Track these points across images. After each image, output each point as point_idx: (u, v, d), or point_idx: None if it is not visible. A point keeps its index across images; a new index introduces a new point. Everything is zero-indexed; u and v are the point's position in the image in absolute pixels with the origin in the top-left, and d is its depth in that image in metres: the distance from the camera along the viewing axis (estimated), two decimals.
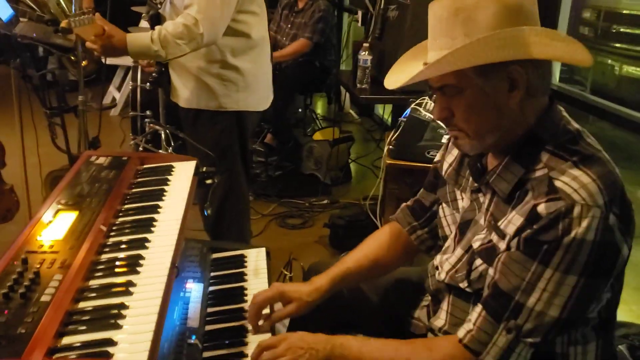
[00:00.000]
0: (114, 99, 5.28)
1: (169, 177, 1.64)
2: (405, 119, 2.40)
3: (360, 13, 3.88)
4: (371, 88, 2.98)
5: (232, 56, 2.18)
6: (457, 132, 1.13)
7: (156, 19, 2.25)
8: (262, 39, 2.28)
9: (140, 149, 3.72)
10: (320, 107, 5.63)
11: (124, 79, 5.23)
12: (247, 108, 2.30)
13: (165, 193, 1.54)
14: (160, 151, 3.55)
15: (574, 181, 1.01)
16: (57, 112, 2.71)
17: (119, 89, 5.32)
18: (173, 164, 1.75)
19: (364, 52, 2.94)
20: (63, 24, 2.14)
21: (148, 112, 3.76)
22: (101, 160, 1.73)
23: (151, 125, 3.74)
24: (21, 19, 2.64)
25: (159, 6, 2.22)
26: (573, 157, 1.04)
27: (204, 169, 1.74)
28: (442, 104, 1.12)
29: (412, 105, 2.43)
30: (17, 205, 2.72)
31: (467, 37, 1.03)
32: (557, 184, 1.01)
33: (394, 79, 1.19)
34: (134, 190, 1.58)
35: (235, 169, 2.32)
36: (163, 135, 3.50)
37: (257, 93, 2.32)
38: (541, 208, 1.01)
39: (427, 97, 2.45)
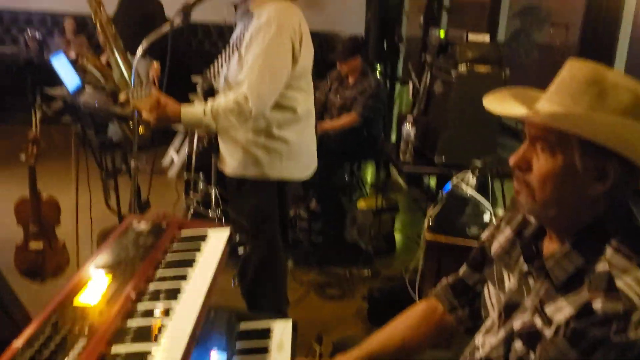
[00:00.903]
0: (172, 161, 5.50)
1: (202, 246, 1.69)
2: (446, 194, 2.40)
3: (411, 85, 3.96)
4: (414, 160, 3.01)
5: (277, 128, 2.26)
6: (524, 188, 1.10)
7: (210, 92, 2.38)
8: (307, 112, 2.36)
9: (191, 209, 3.87)
10: (368, 175, 5.67)
11: (183, 141, 5.46)
12: (291, 177, 2.37)
13: (195, 262, 1.58)
14: (209, 211, 3.68)
15: (638, 284, 0.97)
16: (112, 174, 2.86)
17: (178, 151, 5.55)
18: (208, 231, 1.81)
19: (408, 125, 2.98)
20: (122, 97, 2.28)
21: (201, 175, 3.93)
22: (142, 225, 1.80)
23: (202, 187, 3.91)
24: (86, 88, 2.85)
25: (213, 80, 2.33)
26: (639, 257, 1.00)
27: (237, 238, 1.79)
28: (526, 153, 1.09)
29: (454, 180, 2.44)
30: (67, 262, 2.85)
31: (591, 108, 1.02)
32: (619, 283, 0.97)
33: (499, 106, 1.15)
34: (167, 257, 1.63)
35: (273, 237, 2.36)
36: (213, 197, 3.62)
37: (300, 162, 2.39)
38: (597, 305, 0.97)
39: (469, 172, 2.45)
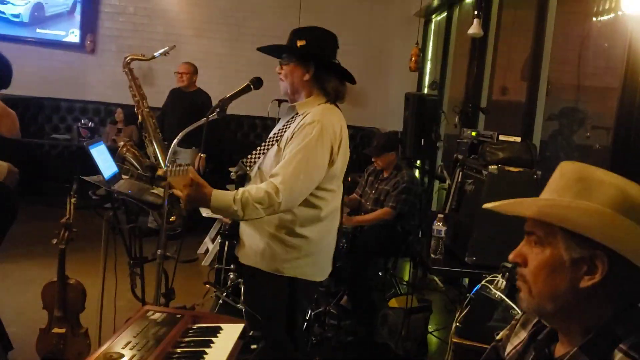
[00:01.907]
0: (207, 250, 5.54)
1: (214, 339, 1.65)
2: (474, 296, 2.31)
3: (448, 182, 3.94)
4: (444, 259, 2.93)
5: (300, 226, 2.25)
6: (522, 284, 1.12)
7: (242, 179, 2.41)
8: (332, 212, 2.35)
9: (220, 301, 3.83)
10: (404, 272, 5.54)
11: (219, 231, 5.51)
12: (304, 276, 2.31)
13: (205, 356, 1.54)
14: (238, 305, 3.64)
15: None
16: (139, 261, 2.88)
17: (213, 240, 5.60)
18: (222, 325, 1.77)
19: (438, 223, 2.93)
20: (160, 172, 2.29)
21: (232, 266, 3.91)
22: (157, 315, 1.78)
23: (233, 278, 3.88)
24: (123, 176, 2.94)
25: (248, 168, 2.36)
26: None
27: (251, 333, 1.74)
28: (523, 249, 1.12)
29: (483, 282, 2.34)
30: (89, 349, 2.82)
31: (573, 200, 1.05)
32: None
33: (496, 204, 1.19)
34: (177, 349, 1.60)
35: (278, 336, 2.29)
36: (242, 290, 3.58)
37: (317, 263, 2.35)
38: None
39: (499, 275, 2.36)
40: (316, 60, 2.28)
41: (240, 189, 2.12)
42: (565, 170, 1.10)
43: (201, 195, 2.07)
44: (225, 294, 3.71)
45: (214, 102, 6.28)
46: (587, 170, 1.07)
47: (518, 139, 2.85)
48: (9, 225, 3.20)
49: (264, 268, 2.28)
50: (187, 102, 5.84)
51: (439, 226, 2.93)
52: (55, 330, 2.74)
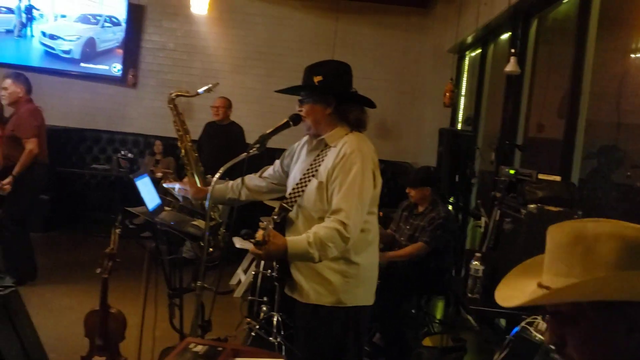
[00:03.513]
0: (239, 281, 5.57)
1: None
2: (512, 338, 2.28)
3: (483, 220, 3.91)
4: (482, 298, 2.90)
5: (355, 254, 2.26)
6: None
7: (283, 221, 2.40)
8: (376, 234, 2.39)
9: (253, 333, 3.83)
10: (438, 310, 5.47)
11: (252, 263, 5.55)
12: (364, 302, 2.33)
13: None
14: (270, 338, 3.64)
15: None
16: (179, 292, 2.93)
17: (245, 272, 5.63)
18: None
19: (476, 262, 2.92)
20: (260, 237, 2.09)
21: (265, 298, 3.93)
22: (199, 348, 1.82)
23: (266, 311, 3.89)
24: (165, 208, 3.01)
25: (290, 208, 2.35)
26: None
27: None
28: (554, 329, 1.10)
29: (523, 324, 2.31)
30: None
31: (585, 270, 1.03)
32: None
33: (506, 294, 1.18)
34: None
35: None
36: (275, 323, 3.59)
37: (371, 288, 2.38)
38: None
39: (539, 317, 2.33)
40: (336, 93, 2.31)
41: (310, 232, 2.10)
42: (557, 237, 1.08)
43: (277, 248, 2.06)
44: (259, 327, 3.74)
45: (248, 136, 6.45)
46: (577, 229, 1.06)
47: (558, 178, 2.84)
48: None
49: (325, 303, 2.27)
50: (222, 135, 6.00)
51: (476, 265, 2.91)
52: (96, 358, 2.79)
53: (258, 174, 2.67)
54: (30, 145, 4.66)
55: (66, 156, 7.44)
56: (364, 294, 2.33)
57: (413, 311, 4.45)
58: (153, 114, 7.49)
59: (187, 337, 2.86)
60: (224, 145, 5.73)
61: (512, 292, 1.17)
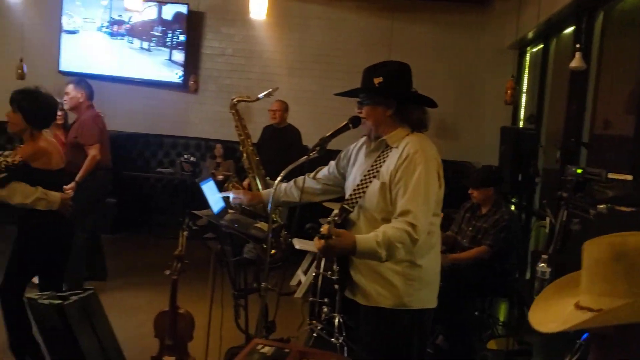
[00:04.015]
0: (299, 282, 5.63)
1: None
2: (583, 343, 2.21)
3: (548, 220, 3.81)
4: None
5: (418, 256, 2.24)
6: None
7: (344, 222, 2.41)
8: (439, 237, 2.38)
9: (314, 334, 3.87)
10: (501, 312, 5.35)
11: (311, 264, 5.60)
12: (428, 305, 2.32)
13: None
14: (332, 339, 3.66)
15: None
16: (243, 293, 2.99)
17: (305, 272, 5.69)
18: None
19: (542, 264, 2.85)
20: (324, 231, 2.12)
21: (326, 300, 3.95)
22: (266, 349, 1.86)
23: (327, 312, 3.92)
24: (229, 211, 3.08)
25: (351, 210, 2.34)
26: None
27: None
28: (599, 356, 1.05)
29: None
30: None
31: (631, 288, 0.98)
32: None
33: (541, 318, 1.13)
34: None
35: None
36: (336, 324, 3.61)
37: (434, 290, 2.36)
38: None
39: None
40: (397, 94, 2.29)
41: (378, 231, 2.10)
42: (596, 254, 1.03)
43: (345, 244, 2.07)
44: (321, 328, 3.77)
45: (305, 138, 6.50)
46: (617, 244, 1.01)
47: (629, 177, 2.73)
48: (64, 254, 3.42)
49: (388, 305, 2.26)
50: (279, 138, 6.08)
51: (543, 267, 2.84)
52: (166, 358, 2.88)
53: (312, 175, 2.67)
54: (93, 151, 4.73)
55: (132, 161, 7.72)
56: (427, 296, 2.31)
57: (476, 313, 4.38)
58: (213, 119, 7.67)
59: (253, 337, 2.93)
60: (281, 148, 5.81)
61: (548, 314, 1.12)
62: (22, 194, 3.10)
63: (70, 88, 4.86)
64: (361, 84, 2.33)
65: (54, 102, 3.36)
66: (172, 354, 2.89)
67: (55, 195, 3.26)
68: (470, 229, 4.17)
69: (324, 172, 2.68)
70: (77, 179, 4.64)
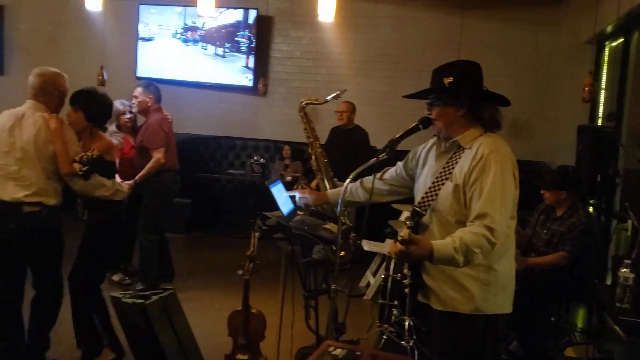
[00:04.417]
0: (368, 284, 5.62)
1: None
2: None
3: (630, 222, 3.63)
4: (633, 308, 2.69)
5: (494, 260, 2.19)
6: None
7: (416, 226, 2.38)
8: (513, 240, 2.31)
9: (384, 337, 3.85)
10: (579, 319, 5.13)
11: (380, 266, 5.57)
12: (503, 310, 2.27)
13: None
14: (402, 342, 3.63)
15: None
16: (314, 295, 3.02)
17: (374, 274, 5.67)
18: None
19: (625, 269, 2.71)
20: (405, 236, 2.09)
21: (396, 302, 3.93)
22: (337, 351, 1.87)
23: (397, 315, 3.89)
24: (298, 213, 3.12)
25: (424, 213, 2.31)
26: None
27: None
28: None
29: None
30: None
31: None
32: None
33: None
34: None
35: None
36: (407, 327, 3.58)
37: (509, 295, 2.30)
38: None
39: None
40: (469, 93, 2.24)
41: (455, 237, 2.06)
42: None
43: (422, 251, 2.05)
44: (390, 331, 3.75)
45: (373, 138, 6.46)
46: None
47: None
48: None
49: (463, 311, 2.22)
50: (347, 139, 6.08)
51: (625, 273, 2.71)
52: (239, 357, 2.95)
53: (379, 175, 2.65)
54: (158, 154, 4.82)
55: (204, 162, 7.95)
56: (502, 301, 2.26)
57: (552, 319, 4.22)
58: (282, 121, 7.78)
59: (323, 338, 2.95)
60: (349, 149, 5.81)
61: None
62: (103, 186, 3.28)
63: (138, 91, 4.99)
64: (430, 85, 2.30)
65: (110, 101, 3.54)
66: (245, 353, 2.95)
67: (125, 186, 3.47)
68: (545, 231, 4.02)
69: (391, 172, 2.66)
70: (136, 178, 4.73)
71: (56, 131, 3.10)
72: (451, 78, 2.23)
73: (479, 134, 2.24)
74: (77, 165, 3.11)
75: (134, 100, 5.03)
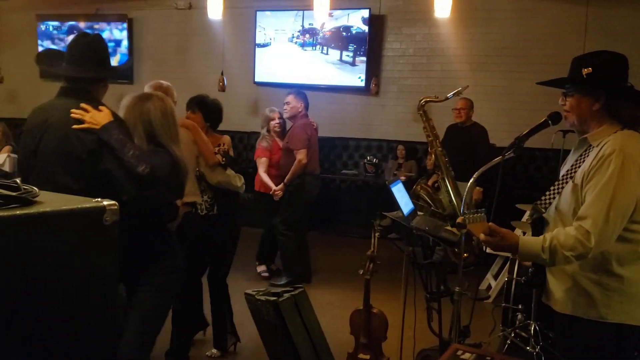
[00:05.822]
0: (489, 287, 5.43)
1: None
2: None
3: None
4: None
5: (618, 265, 2.06)
6: None
7: (538, 223, 2.30)
8: None
9: (508, 341, 3.71)
10: None
11: (502, 268, 5.37)
12: (632, 322, 2.10)
13: None
14: (527, 348, 3.48)
15: None
16: (436, 296, 2.97)
17: (495, 277, 5.47)
18: None
19: None
20: (459, 220, 2.29)
21: (520, 306, 3.77)
22: (466, 356, 1.82)
23: (521, 319, 3.73)
24: (418, 213, 3.09)
25: (544, 211, 2.24)
26: None
27: None
28: None
29: None
30: None
31: None
32: None
33: None
34: None
35: None
36: (532, 332, 3.43)
37: None
38: None
39: None
40: (606, 87, 2.10)
41: (548, 236, 2.03)
42: None
43: (507, 244, 2.07)
44: (515, 336, 3.60)
45: (493, 135, 6.21)
46: None
47: None
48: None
49: (584, 316, 2.12)
50: (465, 136, 5.90)
51: None
52: (361, 356, 2.97)
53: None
54: (300, 155, 5.13)
55: (320, 163, 8.09)
56: (632, 311, 2.08)
57: None
58: (394, 120, 7.74)
59: (446, 341, 2.90)
60: (467, 147, 5.65)
61: None
62: (236, 175, 3.51)
63: (291, 98, 5.33)
64: (568, 74, 2.20)
65: (220, 105, 3.76)
66: (367, 352, 2.96)
67: (242, 178, 3.65)
68: None
69: None
70: (285, 181, 5.15)
71: (195, 128, 3.33)
72: (590, 69, 2.12)
73: (613, 131, 2.11)
74: (219, 157, 3.35)
75: (285, 107, 5.36)
